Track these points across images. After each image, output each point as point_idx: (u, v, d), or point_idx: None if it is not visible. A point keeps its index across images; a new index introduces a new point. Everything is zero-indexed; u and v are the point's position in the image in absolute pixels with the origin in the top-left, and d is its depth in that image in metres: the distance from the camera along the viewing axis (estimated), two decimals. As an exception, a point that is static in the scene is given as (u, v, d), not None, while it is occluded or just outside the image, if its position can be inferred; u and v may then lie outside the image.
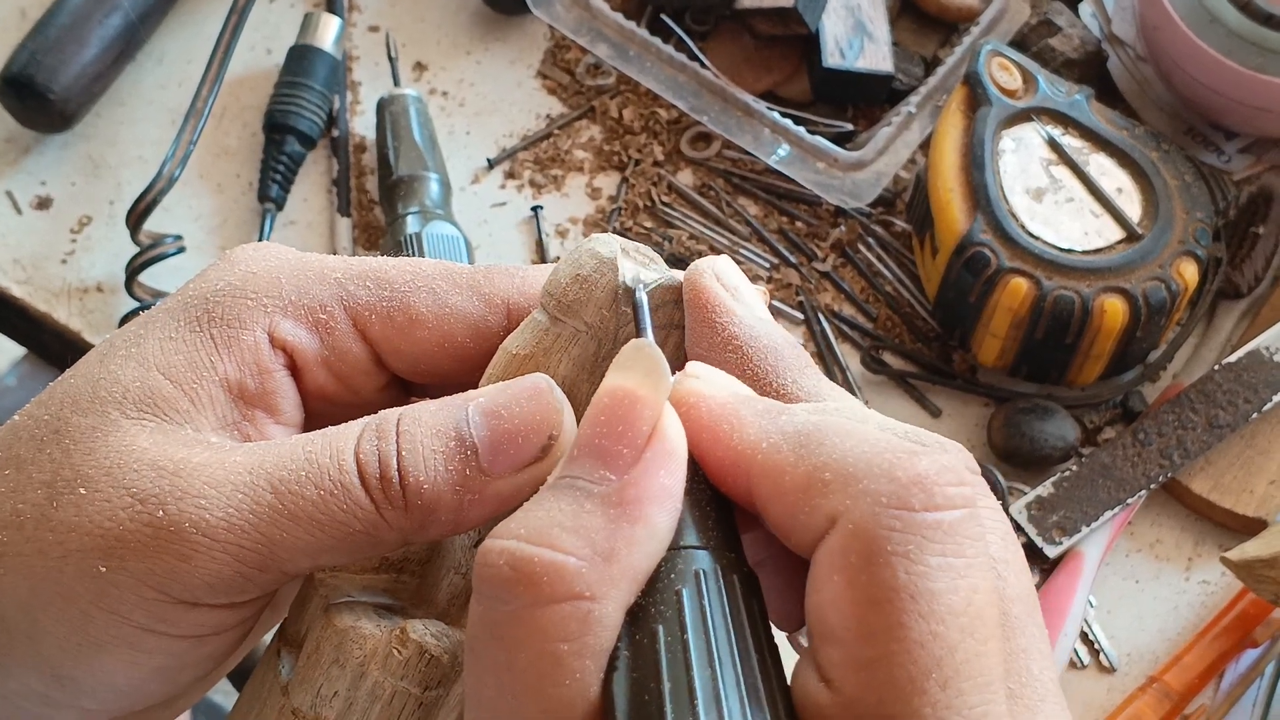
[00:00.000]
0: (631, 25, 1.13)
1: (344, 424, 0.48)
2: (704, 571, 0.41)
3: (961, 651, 0.40)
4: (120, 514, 0.45)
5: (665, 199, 1.14)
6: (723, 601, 0.41)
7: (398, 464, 0.46)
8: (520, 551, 0.40)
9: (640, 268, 0.49)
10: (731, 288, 0.48)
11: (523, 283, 0.51)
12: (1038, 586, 0.99)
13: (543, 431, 0.47)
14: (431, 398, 0.53)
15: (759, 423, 0.44)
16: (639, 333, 0.47)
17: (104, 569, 0.45)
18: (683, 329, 0.49)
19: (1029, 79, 1.06)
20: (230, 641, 0.49)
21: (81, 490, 0.46)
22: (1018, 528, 0.99)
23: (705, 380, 0.45)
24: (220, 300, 0.49)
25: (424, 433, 0.47)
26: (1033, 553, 0.99)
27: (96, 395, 0.48)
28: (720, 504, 0.44)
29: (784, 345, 0.47)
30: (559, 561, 0.39)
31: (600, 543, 0.40)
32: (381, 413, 0.48)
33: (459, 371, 0.52)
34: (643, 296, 0.48)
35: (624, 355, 0.43)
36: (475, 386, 0.55)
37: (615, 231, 1.12)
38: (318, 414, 0.52)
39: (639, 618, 0.40)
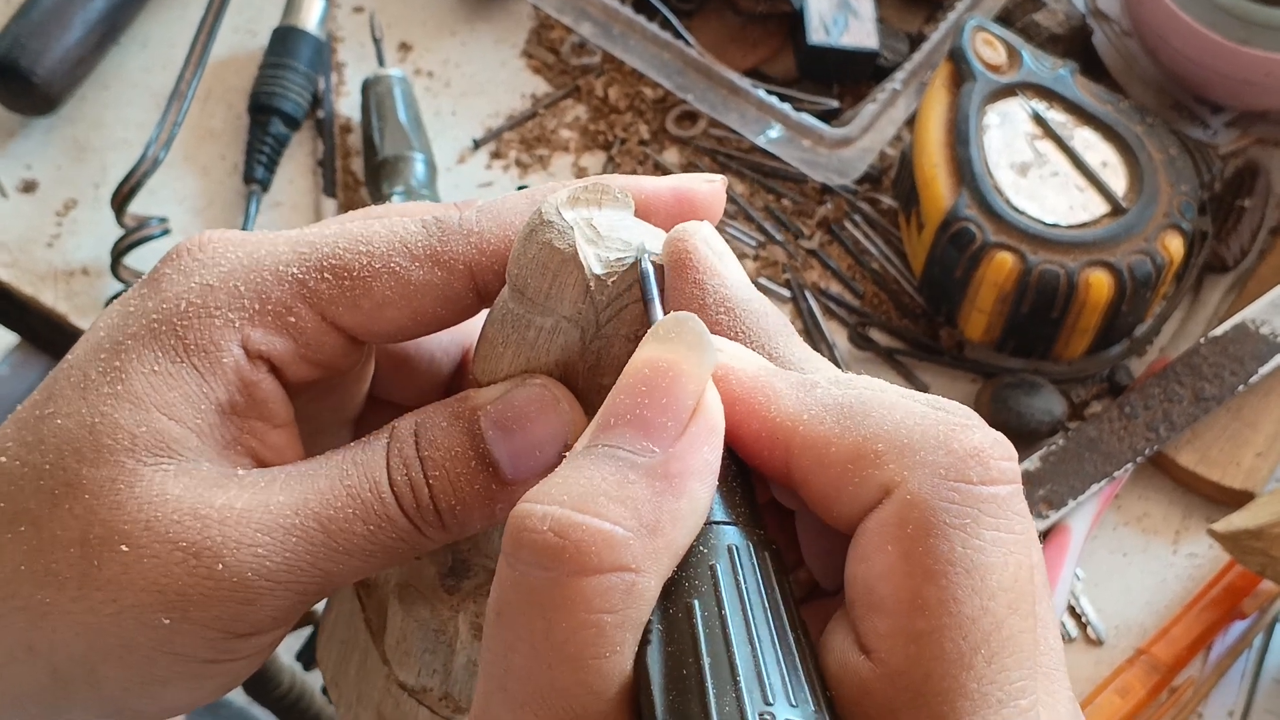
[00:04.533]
0: (616, 4, 1.13)
1: (366, 445, 0.48)
2: (736, 547, 0.41)
3: (1007, 627, 0.39)
4: (175, 569, 0.45)
5: (651, 178, 1.14)
6: (756, 576, 0.40)
7: (429, 492, 0.48)
8: (567, 518, 0.39)
9: (598, 230, 0.47)
10: (718, 252, 0.47)
11: (480, 240, 0.49)
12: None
13: (559, 440, 0.48)
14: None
15: (796, 395, 0.43)
16: (646, 302, 0.46)
17: (167, 621, 0.46)
18: (635, 306, 0.48)
19: (1014, 54, 1.06)
20: (278, 643, 0.50)
21: (123, 547, 0.45)
22: (1005, 502, 0.99)
23: (731, 353, 0.45)
24: (189, 324, 0.48)
25: (444, 456, 0.48)
26: (1020, 527, 0.99)
27: (100, 444, 0.46)
28: (744, 479, 0.43)
29: (771, 312, 0.47)
30: (607, 530, 0.38)
31: (646, 515, 0.39)
32: (398, 430, 0.49)
33: (434, 331, 0.52)
34: (648, 266, 0.47)
35: (665, 326, 0.42)
36: (453, 343, 0.56)
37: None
38: (305, 397, 0.52)
39: (672, 592, 0.40)
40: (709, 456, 0.41)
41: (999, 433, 0.42)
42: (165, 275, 0.49)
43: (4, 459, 0.48)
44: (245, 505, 0.46)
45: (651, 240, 0.48)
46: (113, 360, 0.48)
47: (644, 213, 0.50)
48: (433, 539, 0.48)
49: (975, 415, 0.42)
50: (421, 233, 0.49)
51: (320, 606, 0.61)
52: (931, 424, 0.41)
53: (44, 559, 0.46)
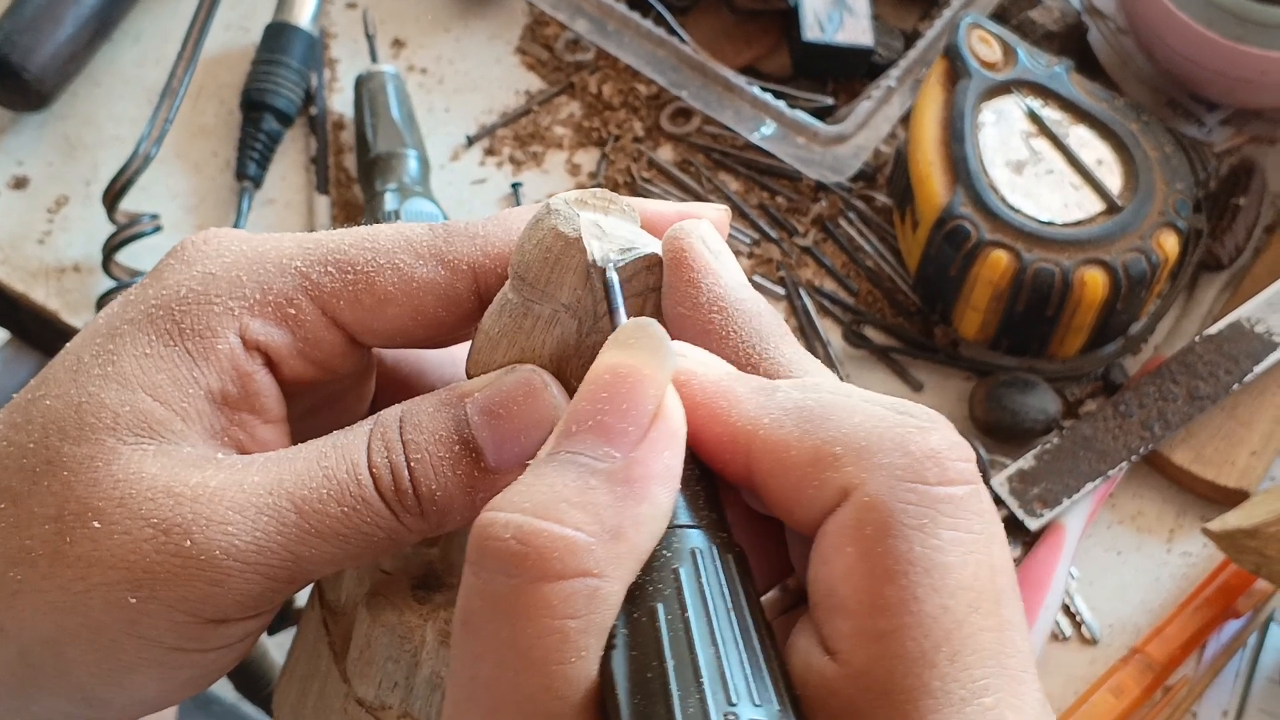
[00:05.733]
0: (610, 0, 1.13)
1: (349, 430, 0.48)
2: (699, 550, 0.41)
3: (968, 626, 0.40)
4: (144, 545, 0.45)
5: (645, 175, 1.13)
6: (720, 580, 0.41)
7: (409, 475, 0.47)
8: (529, 525, 0.38)
9: (603, 229, 0.48)
10: (715, 251, 0.47)
11: (485, 243, 0.50)
12: (1019, 559, 0.99)
13: (544, 428, 0.47)
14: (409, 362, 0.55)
15: (756, 399, 0.43)
16: (611, 311, 0.47)
17: (133, 600, 0.45)
18: (659, 292, 0.48)
19: (1009, 52, 1.06)
20: (252, 642, 0.50)
21: (95, 524, 0.45)
22: (999, 500, 0.99)
23: (694, 358, 0.45)
24: (187, 310, 0.48)
25: (428, 440, 0.47)
26: (1014, 525, 0.99)
27: (84, 422, 0.46)
28: (707, 483, 0.44)
29: (766, 312, 0.47)
30: (569, 536, 0.38)
31: (608, 520, 0.39)
32: (383, 416, 0.48)
33: (434, 337, 0.52)
34: (614, 276, 0.47)
35: (626, 332, 0.42)
36: (457, 375, 0.56)
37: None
38: (300, 399, 0.52)
39: (636, 596, 0.40)
40: (670, 461, 0.41)
41: (958, 436, 0.42)
42: (169, 266, 0.50)
43: None
44: (219, 484, 0.46)
45: (656, 249, 0.48)
46: (107, 344, 0.48)
47: (648, 231, 0.50)
48: (409, 528, 0.48)
49: (938, 418, 0.43)
50: (428, 234, 0.50)
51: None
52: (889, 426, 0.41)
53: (19, 535, 0.46)
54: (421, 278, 0.49)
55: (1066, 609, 1.00)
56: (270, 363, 0.49)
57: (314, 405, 0.53)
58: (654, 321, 0.43)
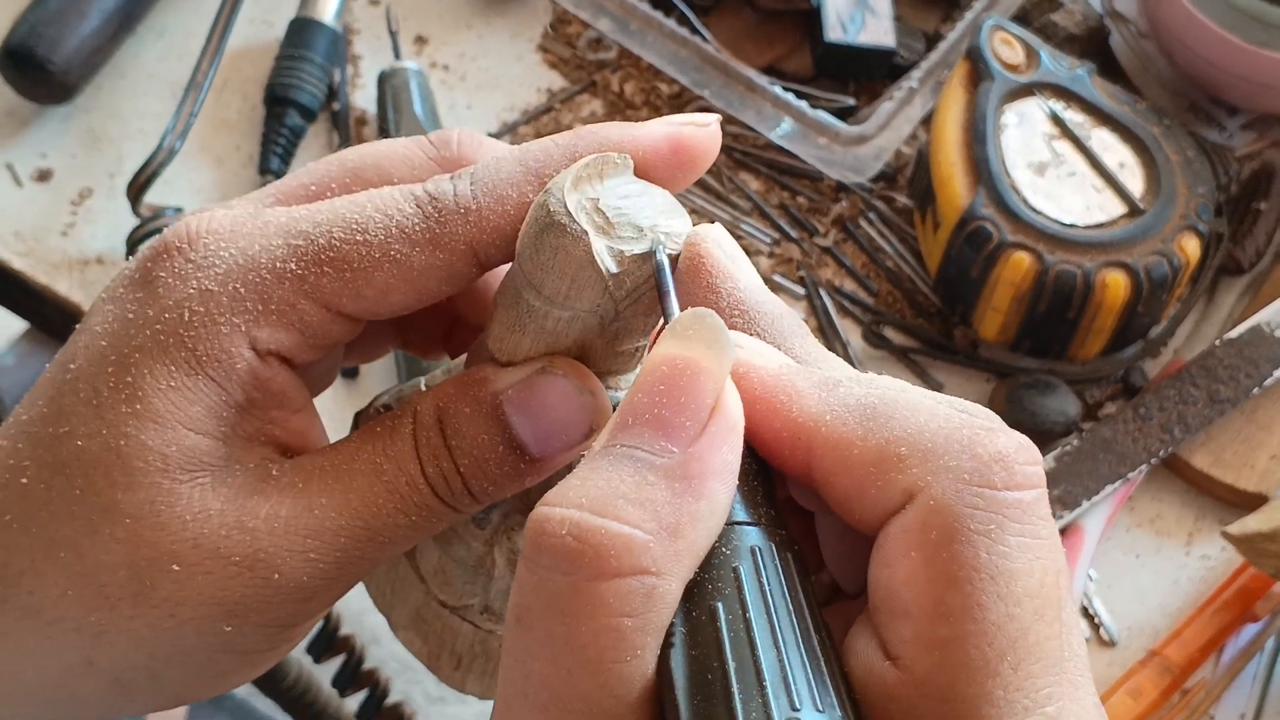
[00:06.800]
0: (633, -1, 1.13)
1: (393, 435, 0.49)
2: (759, 548, 0.40)
3: (1033, 634, 0.39)
4: (231, 582, 0.47)
5: (667, 173, 1.13)
6: (780, 579, 0.40)
7: (462, 480, 0.49)
8: (585, 522, 0.38)
9: (607, 215, 0.47)
10: (730, 255, 0.47)
11: (479, 219, 0.49)
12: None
13: (584, 424, 0.49)
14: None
15: (818, 394, 0.43)
16: (662, 297, 0.46)
17: (229, 628, 0.47)
18: (653, 292, 0.48)
19: (1031, 54, 1.06)
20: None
21: (175, 567, 0.46)
22: (1019, 502, 0.99)
23: (754, 350, 0.44)
24: (196, 335, 0.48)
25: (471, 445, 0.49)
26: (1033, 527, 0.99)
27: (131, 467, 0.47)
28: (764, 477, 0.43)
29: (786, 313, 0.47)
30: (626, 534, 0.38)
31: (666, 517, 0.39)
32: (421, 416, 0.49)
33: (440, 308, 0.53)
34: (664, 259, 0.46)
35: (683, 323, 0.42)
36: (461, 314, 0.57)
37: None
38: (316, 366, 0.53)
39: (695, 595, 0.39)
40: (729, 456, 0.41)
41: (1023, 436, 0.42)
42: (159, 279, 0.49)
43: (25, 480, 0.48)
44: (289, 513, 0.47)
45: (662, 216, 0.48)
46: (123, 375, 0.48)
47: (643, 169, 0.49)
48: (468, 512, 0.50)
49: (998, 418, 0.42)
50: (418, 215, 0.49)
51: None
52: (955, 427, 0.41)
53: (92, 583, 0.47)
54: (420, 265, 0.49)
55: (1085, 611, 1.00)
56: (284, 359, 0.50)
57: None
58: (711, 311, 0.42)
